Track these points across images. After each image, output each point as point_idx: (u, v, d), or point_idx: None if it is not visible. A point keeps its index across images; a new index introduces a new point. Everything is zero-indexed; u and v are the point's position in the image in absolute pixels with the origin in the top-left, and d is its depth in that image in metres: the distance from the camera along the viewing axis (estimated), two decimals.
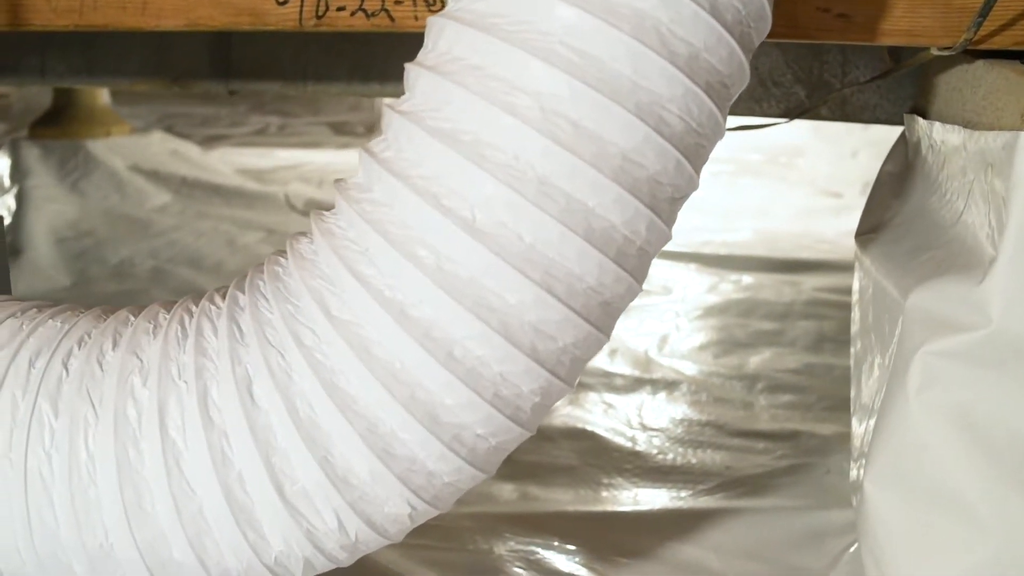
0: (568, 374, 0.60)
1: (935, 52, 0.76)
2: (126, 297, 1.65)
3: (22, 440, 0.60)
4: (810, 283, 1.76)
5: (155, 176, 2.31)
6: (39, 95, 2.88)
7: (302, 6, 0.82)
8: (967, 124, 0.78)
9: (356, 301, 0.58)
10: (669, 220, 0.60)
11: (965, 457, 0.70)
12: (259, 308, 0.60)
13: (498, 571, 0.89)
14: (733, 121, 0.72)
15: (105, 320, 0.65)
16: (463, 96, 0.57)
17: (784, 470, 1.09)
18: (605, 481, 1.07)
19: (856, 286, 0.99)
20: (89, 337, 0.63)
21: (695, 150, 0.59)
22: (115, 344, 0.62)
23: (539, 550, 0.93)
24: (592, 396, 1.29)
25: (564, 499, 1.03)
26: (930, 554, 0.72)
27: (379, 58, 1.24)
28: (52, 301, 0.70)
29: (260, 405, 0.58)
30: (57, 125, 2.42)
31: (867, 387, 0.89)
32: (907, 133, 0.97)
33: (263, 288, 0.61)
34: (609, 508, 1.02)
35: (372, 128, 3.23)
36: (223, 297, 0.63)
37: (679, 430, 1.20)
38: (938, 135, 0.83)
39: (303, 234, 0.64)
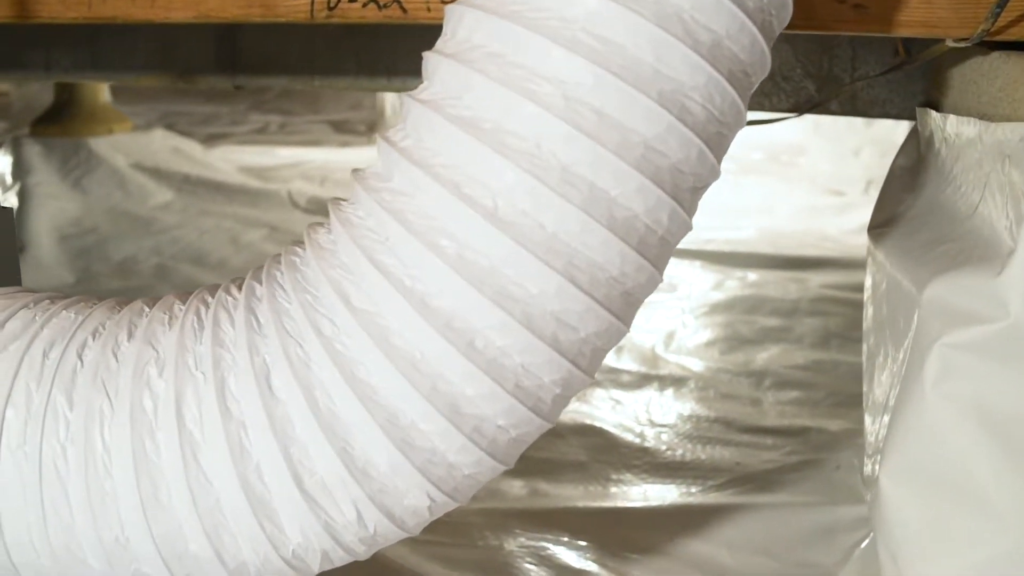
0: (589, 365, 0.59)
1: (950, 44, 0.76)
2: (131, 294, 1.64)
3: (37, 432, 0.60)
4: (816, 280, 1.76)
5: (157, 173, 2.31)
6: (40, 93, 2.87)
7: None
8: (983, 116, 0.78)
9: (376, 291, 0.57)
10: (690, 210, 0.60)
11: (982, 449, 0.70)
12: (277, 298, 0.60)
13: (508, 567, 0.89)
14: None
15: (119, 311, 0.64)
16: (484, 84, 0.56)
17: (793, 466, 1.08)
18: (614, 477, 1.07)
19: (868, 282, 0.98)
20: (104, 328, 0.62)
21: (717, 139, 0.58)
22: (130, 335, 0.62)
23: (549, 546, 0.92)
24: (599, 392, 1.29)
25: (574, 495, 1.03)
26: (947, 547, 0.72)
27: (386, 52, 1.24)
28: (64, 293, 0.70)
29: (278, 396, 0.58)
30: (58, 123, 2.42)
31: (880, 383, 0.88)
32: (919, 127, 0.96)
33: (281, 278, 0.61)
34: (619, 504, 1.02)
35: (373, 126, 3.23)
36: (240, 288, 0.62)
37: (687, 426, 1.20)
38: (952, 128, 0.82)
39: (320, 224, 0.63)
